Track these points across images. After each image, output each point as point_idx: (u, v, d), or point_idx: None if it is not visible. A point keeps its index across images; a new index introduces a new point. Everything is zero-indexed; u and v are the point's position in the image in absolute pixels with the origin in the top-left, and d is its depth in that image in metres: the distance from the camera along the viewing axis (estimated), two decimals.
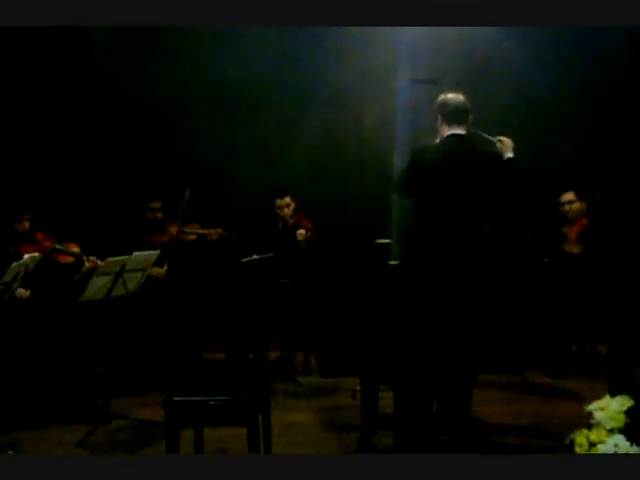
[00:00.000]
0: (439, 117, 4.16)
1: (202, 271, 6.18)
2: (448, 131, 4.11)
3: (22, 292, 5.13)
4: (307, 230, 6.10)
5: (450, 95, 4.17)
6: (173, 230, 6.11)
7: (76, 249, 5.63)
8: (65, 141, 6.81)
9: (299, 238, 6.07)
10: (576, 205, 6.24)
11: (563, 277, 5.90)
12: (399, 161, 6.87)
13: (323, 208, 6.51)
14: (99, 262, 5.14)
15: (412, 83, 6.95)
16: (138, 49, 6.99)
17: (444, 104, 4.15)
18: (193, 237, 6.29)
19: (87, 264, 5.38)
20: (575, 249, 6.06)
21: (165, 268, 5.90)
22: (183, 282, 6.02)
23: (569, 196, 6.26)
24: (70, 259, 5.57)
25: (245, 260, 5.43)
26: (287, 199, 6.21)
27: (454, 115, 4.10)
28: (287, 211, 6.22)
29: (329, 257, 5.92)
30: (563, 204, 6.27)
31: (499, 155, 4.15)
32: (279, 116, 7.15)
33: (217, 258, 6.24)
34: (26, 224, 5.57)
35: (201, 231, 6.29)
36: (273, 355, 5.99)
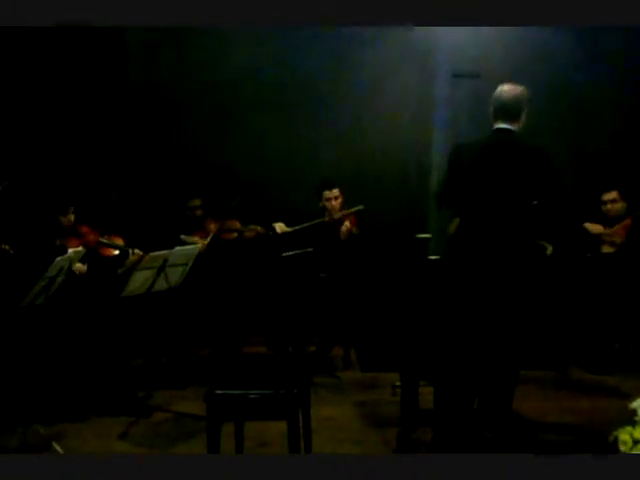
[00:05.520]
0: (492, 110, 4.04)
1: (242, 265, 6.20)
2: (495, 125, 4.02)
3: (80, 267, 5.31)
4: (352, 224, 6.08)
5: (506, 87, 4.01)
6: (213, 227, 6.14)
7: (120, 242, 5.69)
8: (107, 137, 6.89)
9: (342, 230, 6.05)
10: (618, 205, 6.15)
11: (606, 274, 5.82)
12: (437, 157, 6.85)
13: (362, 204, 6.49)
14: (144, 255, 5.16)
15: (453, 77, 6.89)
16: (172, 53, 7.05)
17: (496, 97, 4.01)
18: (233, 235, 6.33)
19: (132, 257, 5.42)
20: (613, 244, 6.00)
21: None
22: (224, 277, 6.04)
23: (612, 195, 6.17)
24: (114, 252, 5.64)
25: (285, 254, 5.44)
26: (335, 191, 6.16)
27: (502, 109, 3.97)
28: (335, 204, 6.15)
29: (370, 252, 5.90)
30: (605, 202, 6.18)
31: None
32: (312, 114, 7.12)
33: (254, 255, 6.25)
34: (71, 217, 5.65)
35: (240, 228, 6.32)
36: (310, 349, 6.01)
